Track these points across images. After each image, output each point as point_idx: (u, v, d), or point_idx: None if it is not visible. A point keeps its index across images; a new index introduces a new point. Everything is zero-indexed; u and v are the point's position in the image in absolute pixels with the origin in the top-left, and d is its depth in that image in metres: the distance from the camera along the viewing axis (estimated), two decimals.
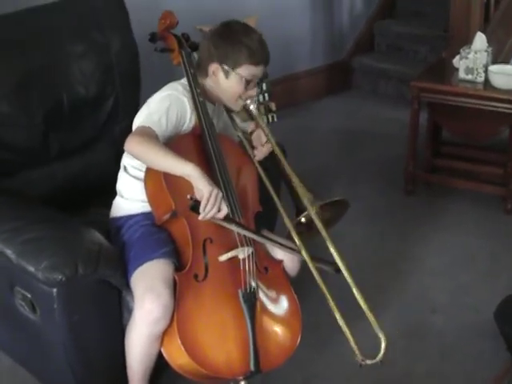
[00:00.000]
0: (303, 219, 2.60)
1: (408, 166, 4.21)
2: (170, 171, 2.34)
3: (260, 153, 2.68)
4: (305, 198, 2.56)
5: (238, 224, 2.38)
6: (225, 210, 2.31)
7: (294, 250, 2.51)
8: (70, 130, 3.01)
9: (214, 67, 2.59)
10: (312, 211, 2.52)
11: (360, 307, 2.44)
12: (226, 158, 2.50)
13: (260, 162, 2.68)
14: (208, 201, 2.25)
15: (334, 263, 2.48)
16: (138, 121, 2.50)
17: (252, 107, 2.63)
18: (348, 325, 2.40)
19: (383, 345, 2.37)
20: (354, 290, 2.43)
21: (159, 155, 2.34)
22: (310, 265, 2.46)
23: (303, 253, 2.48)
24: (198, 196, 2.28)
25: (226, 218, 2.33)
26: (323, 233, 2.50)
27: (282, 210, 2.57)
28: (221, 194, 2.30)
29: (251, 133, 2.71)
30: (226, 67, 2.56)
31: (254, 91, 2.63)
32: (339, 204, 2.67)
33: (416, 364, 2.93)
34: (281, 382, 2.77)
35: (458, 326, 3.14)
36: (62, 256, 2.26)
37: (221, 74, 2.58)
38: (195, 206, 2.26)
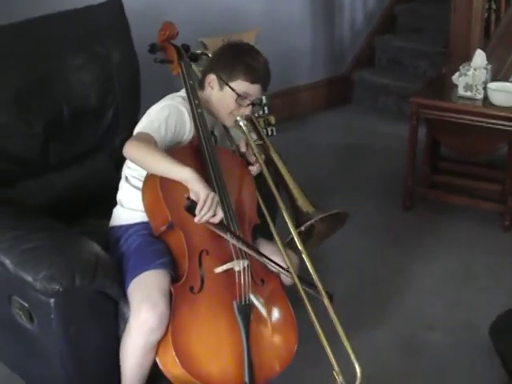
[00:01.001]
0: (303, 228, 2.60)
1: (406, 182, 4.22)
2: (167, 175, 2.35)
3: (252, 171, 2.70)
4: (292, 217, 2.57)
5: (233, 234, 2.37)
6: (220, 215, 2.32)
7: (283, 269, 2.49)
8: (70, 140, 3.02)
9: (210, 78, 2.62)
10: (295, 232, 2.53)
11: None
12: (223, 170, 2.50)
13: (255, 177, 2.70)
14: (204, 203, 2.26)
15: (326, 292, 2.47)
16: (138, 128, 2.52)
17: (242, 124, 2.64)
18: (333, 351, 2.42)
19: (359, 374, 2.38)
20: (333, 316, 2.46)
21: (156, 159, 2.36)
22: (299, 287, 2.46)
23: (294, 275, 2.47)
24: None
25: (221, 225, 2.34)
26: (305, 257, 2.53)
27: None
28: (217, 198, 2.31)
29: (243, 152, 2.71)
30: (221, 79, 2.58)
31: (247, 110, 2.63)
32: (339, 216, 2.67)
33: (412, 380, 2.93)
34: None
35: (455, 342, 3.13)
36: (59, 267, 2.27)
37: (216, 86, 2.62)
38: (192, 207, 2.25)
